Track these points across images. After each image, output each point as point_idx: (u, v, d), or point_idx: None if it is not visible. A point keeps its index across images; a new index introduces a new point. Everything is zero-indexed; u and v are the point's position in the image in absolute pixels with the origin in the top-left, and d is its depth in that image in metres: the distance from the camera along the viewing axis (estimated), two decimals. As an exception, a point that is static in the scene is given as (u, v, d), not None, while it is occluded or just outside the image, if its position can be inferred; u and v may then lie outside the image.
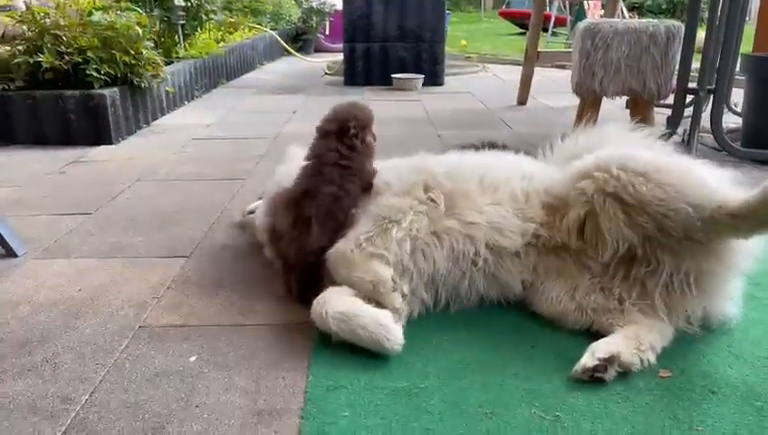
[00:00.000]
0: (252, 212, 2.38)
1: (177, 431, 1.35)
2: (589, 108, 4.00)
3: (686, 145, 3.78)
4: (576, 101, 4.25)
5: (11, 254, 2.28)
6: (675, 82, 3.75)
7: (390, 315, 1.60)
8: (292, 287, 1.90)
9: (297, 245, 1.85)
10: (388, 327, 1.55)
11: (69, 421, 1.39)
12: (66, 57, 4.07)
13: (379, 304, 1.65)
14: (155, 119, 4.89)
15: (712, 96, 3.55)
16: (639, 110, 4.07)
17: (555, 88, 6.60)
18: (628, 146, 1.84)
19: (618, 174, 1.62)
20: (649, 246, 1.63)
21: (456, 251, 1.75)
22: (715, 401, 1.44)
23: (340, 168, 1.90)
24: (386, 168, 1.95)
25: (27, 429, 1.36)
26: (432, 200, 1.79)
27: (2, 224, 2.31)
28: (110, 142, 4.14)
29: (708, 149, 3.79)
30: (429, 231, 1.76)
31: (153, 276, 2.12)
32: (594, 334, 1.67)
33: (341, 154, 1.92)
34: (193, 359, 1.62)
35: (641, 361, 1.52)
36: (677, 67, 3.67)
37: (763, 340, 1.68)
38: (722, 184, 1.60)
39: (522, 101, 5.73)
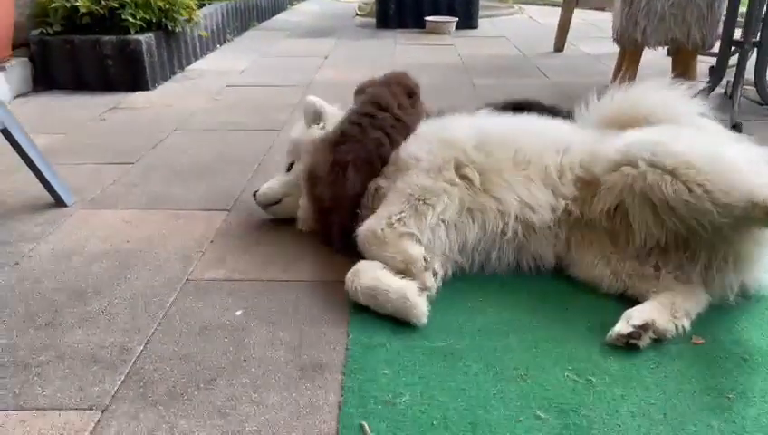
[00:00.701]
0: (255, 194, 2.24)
1: (227, 384, 1.43)
2: (629, 58, 3.90)
3: (729, 98, 3.69)
4: (616, 49, 4.14)
5: (61, 203, 2.36)
6: (720, 31, 3.64)
7: (415, 288, 1.62)
8: (332, 232, 1.95)
9: (333, 189, 1.89)
10: (413, 302, 1.59)
11: (127, 370, 1.48)
12: (103, 2, 4.07)
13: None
14: (189, 63, 4.90)
15: (757, 48, 3.43)
16: (682, 60, 3.97)
17: (594, 33, 6.43)
18: (659, 128, 1.78)
19: (645, 172, 1.61)
20: (682, 238, 1.64)
21: (488, 225, 1.78)
22: (747, 368, 1.47)
23: (394, 117, 1.93)
24: (415, 136, 1.95)
25: (89, 377, 1.46)
26: (465, 177, 1.80)
27: (52, 175, 2.39)
28: (146, 88, 4.18)
29: (750, 102, 3.69)
30: (462, 210, 1.78)
31: (196, 229, 2.19)
32: (629, 299, 1.70)
33: (401, 105, 1.94)
34: (239, 313, 1.70)
35: (676, 327, 1.55)
36: (723, 16, 3.55)
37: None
38: (758, 171, 1.57)
39: (559, 47, 5.60)
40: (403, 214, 1.74)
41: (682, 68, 3.97)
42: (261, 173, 2.70)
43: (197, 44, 5.11)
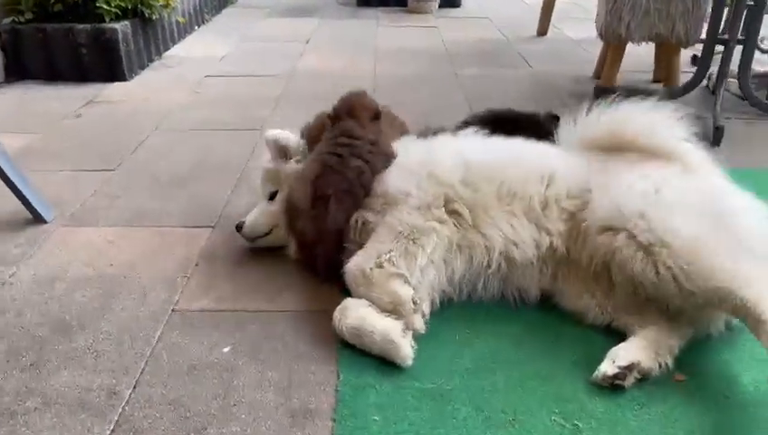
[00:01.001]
0: (240, 227, 2.15)
1: (218, 433, 1.43)
2: (613, 52, 3.88)
3: (712, 93, 3.71)
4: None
5: (40, 220, 2.32)
6: (704, 27, 3.63)
7: (400, 329, 1.62)
8: (317, 265, 1.95)
9: (315, 224, 1.87)
10: (398, 344, 1.60)
11: (116, 418, 1.47)
12: (75, -11, 3.94)
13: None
14: (166, 49, 4.79)
15: (742, 45, 3.43)
16: (665, 55, 3.96)
17: (578, 13, 6.37)
18: (651, 178, 1.76)
19: (621, 246, 1.64)
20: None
21: (475, 259, 1.79)
22: (729, 407, 1.51)
23: (370, 143, 1.91)
24: (401, 167, 1.93)
25: (77, 426, 1.45)
26: (454, 212, 1.80)
27: (27, 188, 2.33)
28: (123, 78, 4.09)
29: (733, 96, 3.70)
30: (451, 246, 1.78)
31: (180, 250, 2.16)
32: (614, 331, 1.72)
33: (372, 130, 1.93)
34: (227, 350, 1.69)
35: (659, 365, 1.58)
36: (709, 12, 3.53)
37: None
38: (738, 257, 1.55)
39: (542, 31, 5.55)
40: (393, 253, 1.72)
41: (665, 63, 3.97)
42: (243, 182, 2.66)
43: (175, 29, 4.98)
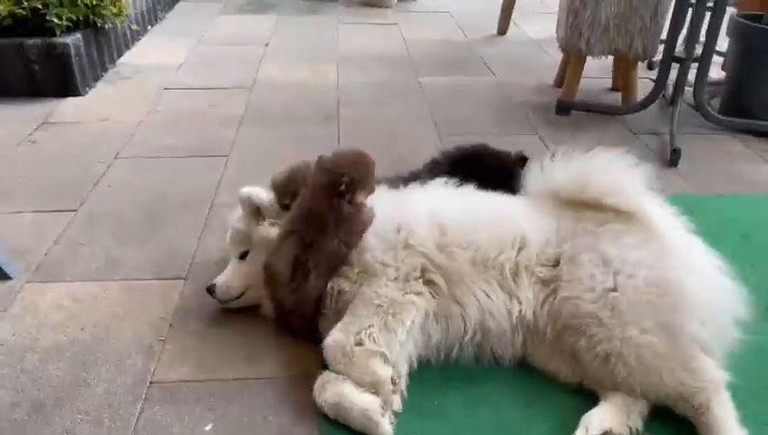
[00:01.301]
0: (212, 290, 2.10)
1: None
2: (573, 64, 3.93)
3: (669, 104, 3.80)
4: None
5: (4, 276, 2.26)
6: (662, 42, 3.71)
7: (379, 407, 1.65)
8: (293, 329, 1.96)
9: (295, 295, 1.88)
10: (376, 422, 1.63)
11: None
12: (24, 2, 3.77)
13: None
14: (120, 56, 4.64)
15: (698, 63, 3.52)
16: (623, 70, 4.04)
17: (540, 8, 6.38)
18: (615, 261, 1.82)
19: (585, 349, 1.74)
20: None
21: (451, 327, 1.83)
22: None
23: (335, 215, 1.90)
24: (375, 234, 1.92)
25: None
26: (431, 282, 1.83)
27: (-8, 245, 2.27)
28: (77, 93, 3.96)
29: (689, 108, 3.79)
30: (428, 317, 1.82)
31: (153, 307, 2.14)
32: (587, 392, 1.79)
33: (338, 205, 1.91)
34: (208, 428, 1.70)
35: (630, 429, 1.66)
36: (666, 28, 3.61)
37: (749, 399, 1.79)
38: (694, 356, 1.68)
39: (502, 30, 5.57)
40: (372, 329, 1.74)
41: (623, 74, 4.05)
42: (212, 221, 2.63)
43: (128, 33, 4.82)
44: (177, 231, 2.58)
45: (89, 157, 3.20)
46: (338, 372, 1.73)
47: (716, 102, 3.91)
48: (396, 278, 1.82)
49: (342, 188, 1.91)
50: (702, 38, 3.48)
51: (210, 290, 2.09)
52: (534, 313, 1.84)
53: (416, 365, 1.85)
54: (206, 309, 2.14)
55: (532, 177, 2.17)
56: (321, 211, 1.91)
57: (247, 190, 2.10)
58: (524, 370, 1.89)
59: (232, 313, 2.13)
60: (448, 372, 1.88)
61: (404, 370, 1.78)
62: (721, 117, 3.60)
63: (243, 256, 2.12)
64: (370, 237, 1.91)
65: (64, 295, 2.20)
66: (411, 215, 1.95)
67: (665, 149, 3.36)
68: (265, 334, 2.03)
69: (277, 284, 1.91)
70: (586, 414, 1.69)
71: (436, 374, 1.87)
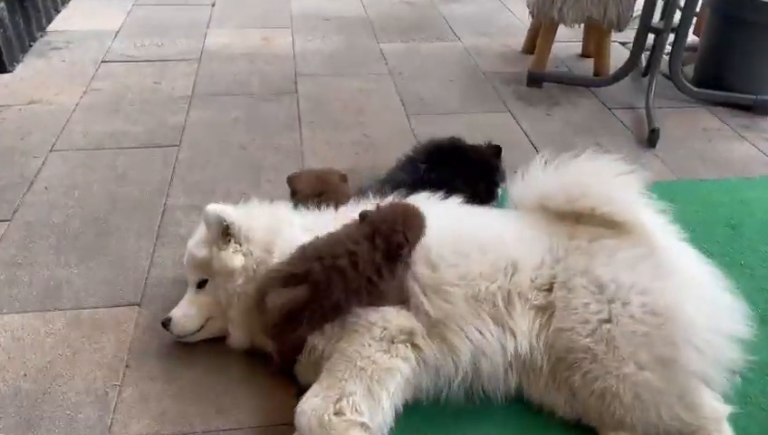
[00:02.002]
0: (166, 324, 1.88)
1: None
2: (544, 31, 3.73)
3: (643, 75, 3.66)
4: None
5: (-72, 311, 1.99)
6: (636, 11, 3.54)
7: None
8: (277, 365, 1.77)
9: (279, 340, 1.70)
10: None
11: None
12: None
13: None
14: (50, 21, 4.22)
15: (674, 35, 3.37)
16: (595, 39, 3.86)
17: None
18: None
19: (582, 385, 1.63)
20: None
21: (441, 373, 1.68)
22: None
23: (368, 282, 1.65)
24: None
25: None
26: (417, 346, 1.66)
27: None
28: (3, 69, 3.57)
29: (662, 78, 3.64)
30: (414, 373, 1.66)
31: (105, 343, 1.92)
32: (586, 427, 1.68)
33: (378, 270, 1.66)
34: (178, 498, 1.53)
35: (636, 473, 1.57)
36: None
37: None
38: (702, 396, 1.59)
39: (463, -14, 5.26)
40: (354, 397, 1.55)
41: (595, 44, 3.86)
42: (165, 230, 2.39)
43: (57, -5, 4.35)
44: (126, 243, 2.32)
45: (19, 150, 2.87)
46: None
47: (688, 70, 3.78)
48: (381, 339, 1.63)
49: (403, 255, 1.68)
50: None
51: (165, 324, 1.87)
52: (530, 345, 1.70)
53: (401, 410, 1.69)
54: (165, 342, 1.93)
55: (519, 186, 2.01)
56: (361, 277, 1.65)
57: (214, 208, 1.85)
58: (518, 405, 1.76)
59: (195, 346, 1.92)
60: (436, 412, 1.72)
61: (388, 421, 1.61)
62: (697, 89, 3.47)
63: (201, 285, 1.90)
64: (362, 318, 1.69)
65: (0, 332, 1.94)
66: None
67: (641, 128, 3.23)
68: (234, 373, 1.84)
69: (265, 313, 1.68)
70: (587, 459, 1.58)
71: (424, 415, 1.72)
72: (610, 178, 1.89)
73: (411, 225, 1.71)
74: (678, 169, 2.92)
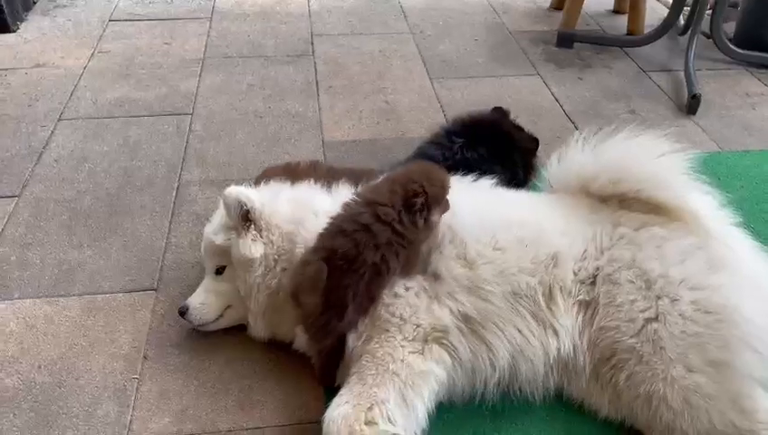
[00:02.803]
0: (184, 313, 1.78)
1: None
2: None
3: (680, 34, 3.45)
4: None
5: (-64, 297, 1.90)
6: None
7: None
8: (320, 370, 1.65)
9: (328, 329, 1.55)
10: None
11: None
12: None
13: None
14: (53, -24, 4.00)
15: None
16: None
17: None
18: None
19: (626, 387, 1.53)
20: None
21: (477, 375, 1.57)
22: None
23: (393, 232, 1.54)
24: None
25: None
26: (449, 345, 1.54)
27: None
28: (6, 30, 3.41)
29: (706, 40, 3.41)
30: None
31: (122, 331, 1.83)
32: (632, 430, 1.58)
33: (401, 220, 1.56)
34: (203, 503, 1.45)
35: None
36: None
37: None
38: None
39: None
40: (387, 404, 1.44)
41: (629, 1, 3.63)
42: (183, 204, 2.28)
43: (60, -52, 4.13)
44: (140, 222, 2.21)
45: (26, 118, 2.74)
46: None
47: (727, 29, 3.55)
48: (413, 339, 1.52)
49: (419, 204, 1.56)
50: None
51: (182, 313, 1.77)
52: (573, 344, 1.59)
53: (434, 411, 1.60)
54: (183, 331, 1.83)
55: (556, 167, 1.86)
56: (386, 226, 1.54)
57: (234, 191, 1.72)
58: (560, 403, 1.66)
59: (216, 336, 1.83)
60: (473, 411, 1.63)
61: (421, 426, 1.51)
62: (740, 50, 3.25)
63: (219, 272, 1.79)
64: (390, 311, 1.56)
65: (12, 319, 1.86)
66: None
67: (680, 93, 3.04)
68: (258, 366, 1.75)
69: (305, 314, 1.57)
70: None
71: (459, 416, 1.62)
72: (656, 158, 1.74)
73: (430, 178, 1.62)
74: (721, 139, 2.74)
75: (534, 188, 2.05)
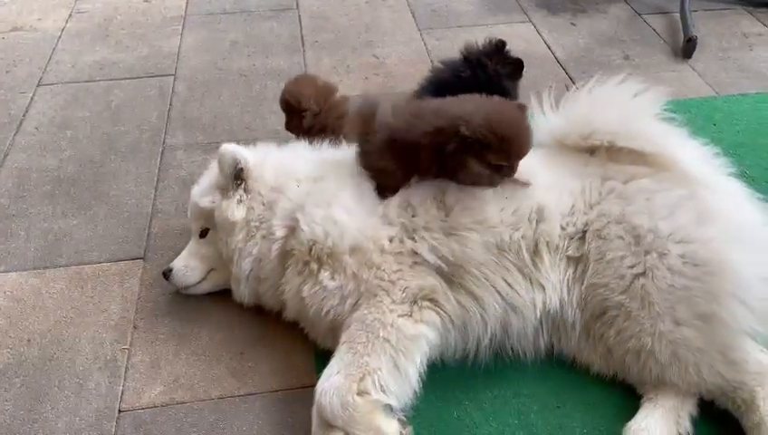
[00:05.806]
0: (168, 275, 1.79)
1: None
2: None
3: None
4: None
5: None
6: None
7: None
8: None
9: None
10: None
11: None
12: None
13: None
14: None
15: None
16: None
17: None
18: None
19: (617, 343, 1.52)
20: None
21: (469, 333, 1.56)
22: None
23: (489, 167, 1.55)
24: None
25: None
26: (437, 303, 1.52)
27: None
28: (-22, -11, 3.29)
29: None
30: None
31: (111, 301, 1.82)
32: (624, 385, 1.57)
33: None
34: (196, 472, 1.46)
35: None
36: None
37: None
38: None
39: None
40: (379, 373, 1.42)
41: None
42: (168, 169, 2.24)
43: None
44: (125, 189, 2.18)
45: (5, 85, 2.68)
46: (334, 423, 1.41)
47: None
48: (401, 301, 1.50)
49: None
50: None
51: (166, 274, 1.77)
52: (561, 300, 1.57)
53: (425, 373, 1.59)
54: (173, 300, 1.82)
55: (540, 121, 1.81)
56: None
57: (230, 148, 1.70)
58: (551, 361, 1.65)
59: (205, 302, 1.81)
60: (465, 371, 1.62)
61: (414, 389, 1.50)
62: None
63: (203, 234, 1.77)
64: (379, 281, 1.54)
65: None
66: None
67: (676, 36, 2.95)
68: (248, 332, 1.74)
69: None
70: (628, 425, 1.47)
71: (452, 376, 1.61)
72: (624, 104, 1.69)
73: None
74: (717, 83, 2.67)
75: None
